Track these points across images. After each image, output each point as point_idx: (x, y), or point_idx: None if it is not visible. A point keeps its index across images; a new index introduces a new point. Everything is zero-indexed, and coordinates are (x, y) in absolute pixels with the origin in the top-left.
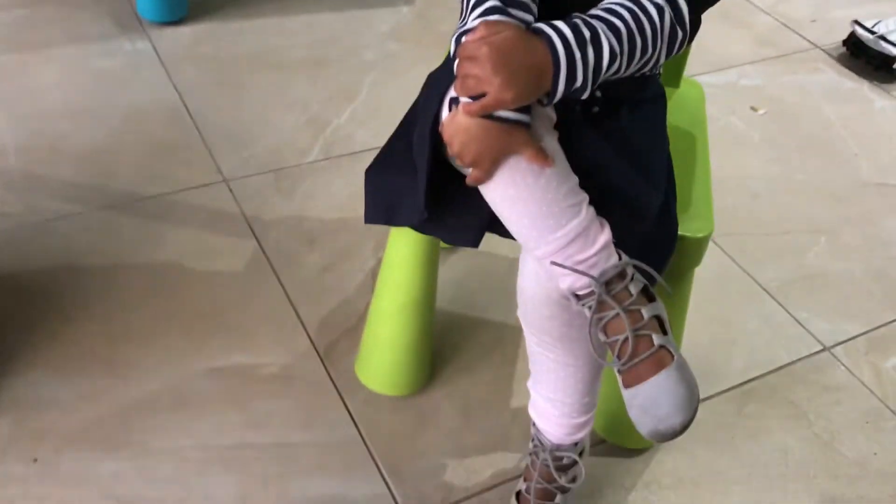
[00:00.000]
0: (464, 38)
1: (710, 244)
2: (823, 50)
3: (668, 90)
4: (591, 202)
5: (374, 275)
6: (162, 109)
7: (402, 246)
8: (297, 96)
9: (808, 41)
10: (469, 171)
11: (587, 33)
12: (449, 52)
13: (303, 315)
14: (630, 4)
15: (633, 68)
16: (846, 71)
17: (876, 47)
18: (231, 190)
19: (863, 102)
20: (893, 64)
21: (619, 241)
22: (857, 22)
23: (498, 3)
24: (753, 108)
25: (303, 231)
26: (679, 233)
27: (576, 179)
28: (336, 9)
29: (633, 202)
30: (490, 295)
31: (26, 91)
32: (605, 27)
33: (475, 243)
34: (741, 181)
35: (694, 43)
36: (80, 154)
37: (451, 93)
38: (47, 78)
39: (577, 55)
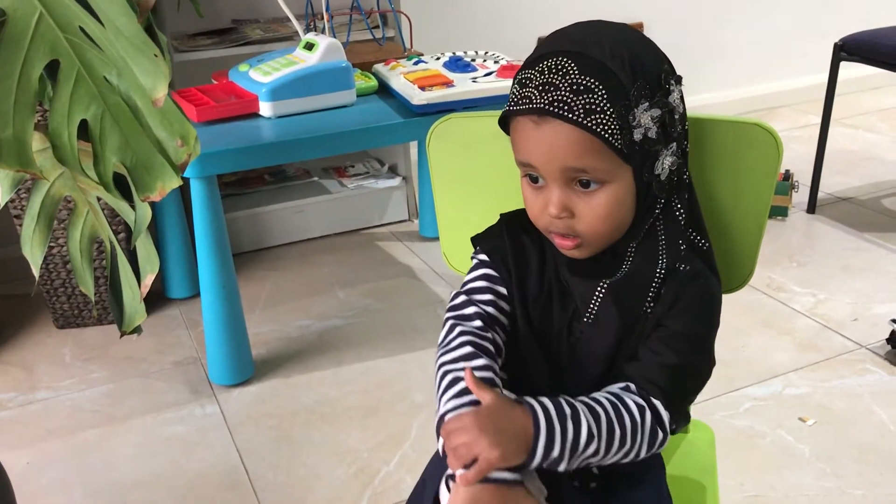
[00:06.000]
0: (451, 414)
1: None
2: (869, 349)
3: (674, 437)
4: None
5: None
6: (223, 473)
7: None
8: (349, 446)
9: (853, 341)
10: None
11: (568, 410)
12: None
13: None
14: (612, 398)
15: (612, 456)
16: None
17: None
18: None
19: None
20: None
21: None
22: (894, 321)
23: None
24: (802, 419)
25: None
26: None
27: None
28: (388, 354)
29: None
30: None
31: (104, 465)
32: (586, 410)
33: None
34: (795, 502)
35: (737, 355)
36: None
37: (447, 471)
38: (124, 450)
39: (557, 426)
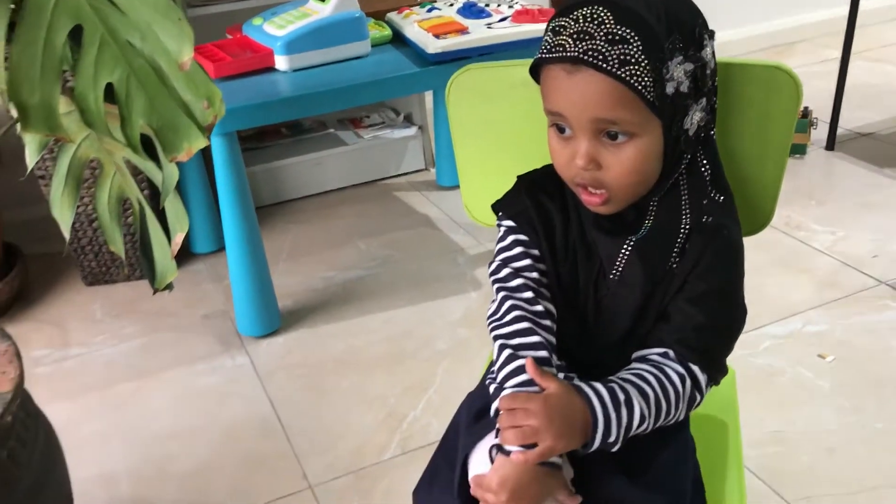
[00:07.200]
0: (509, 391)
1: None
2: (889, 285)
3: None
4: None
5: None
6: (256, 421)
7: None
8: (376, 393)
9: (873, 278)
10: None
11: (622, 396)
12: (484, 377)
13: None
14: (656, 372)
15: (657, 426)
16: None
17: None
18: (315, 497)
19: None
20: None
21: None
22: None
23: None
24: (821, 356)
25: None
26: None
27: None
28: (411, 303)
29: None
30: None
31: (141, 417)
32: (636, 392)
33: None
34: (815, 436)
35: (756, 294)
36: (184, 474)
37: (490, 442)
38: (159, 402)
39: (613, 414)
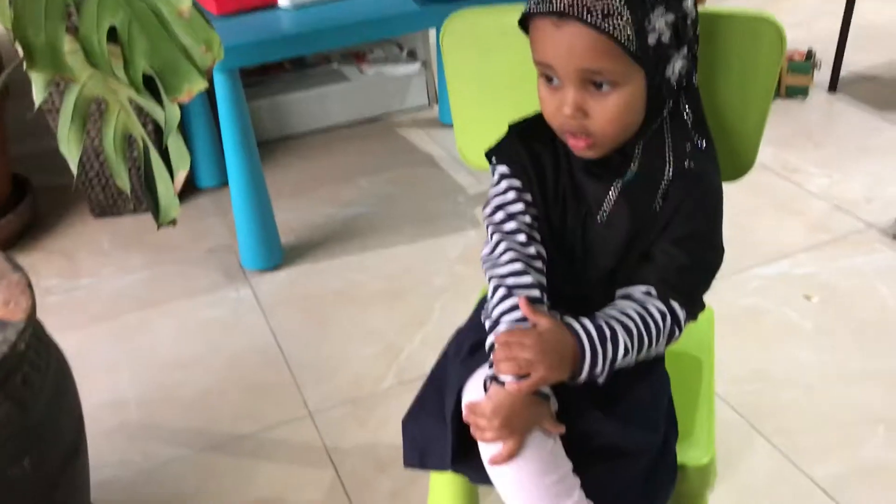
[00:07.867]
0: (504, 326)
1: (763, 443)
2: (880, 229)
3: None
4: (586, 461)
5: None
6: (259, 351)
7: (443, 485)
8: (375, 327)
9: (864, 221)
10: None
11: (608, 332)
12: (481, 313)
13: None
14: (640, 309)
15: (639, 358)
16: None
17: None
18: (315, 423)
19: None
20: None
21: (617, 489)
22: None
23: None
24: (807, 297)
25: (376, 457)
26: (680, 461)
27: (569, 465)
28: (410, 241)
29: (628, 452)
30: None
31: (148, 346)
32: (621, 328)
33: None
34: (794, 374)
35: (747, 236)
36: (190, 400)
37: (484, 373)
38: (165, 332)
39: (599, 349)
